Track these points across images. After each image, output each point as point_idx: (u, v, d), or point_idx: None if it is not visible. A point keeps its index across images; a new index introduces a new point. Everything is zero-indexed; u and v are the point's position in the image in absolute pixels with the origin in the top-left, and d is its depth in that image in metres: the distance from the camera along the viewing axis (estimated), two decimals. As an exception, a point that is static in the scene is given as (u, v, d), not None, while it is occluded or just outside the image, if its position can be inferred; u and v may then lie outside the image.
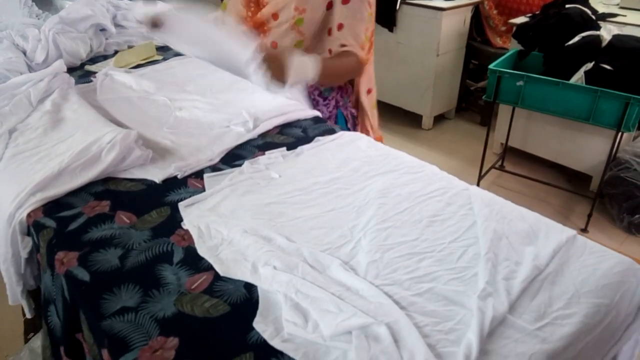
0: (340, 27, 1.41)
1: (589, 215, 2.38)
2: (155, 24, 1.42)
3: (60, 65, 1.46)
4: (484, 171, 2.65)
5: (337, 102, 1.58)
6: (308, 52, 1.41)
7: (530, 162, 2.88)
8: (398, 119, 3.48)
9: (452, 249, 0.87)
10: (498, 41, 3.23)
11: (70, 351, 0.89)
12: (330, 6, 1.41)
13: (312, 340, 0.70)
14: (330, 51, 1.44)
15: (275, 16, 1.44)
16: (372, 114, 1.63)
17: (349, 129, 1.62)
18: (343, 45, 1.41)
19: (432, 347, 0.68)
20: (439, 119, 3.47)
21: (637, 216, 2.33)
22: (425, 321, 0.72)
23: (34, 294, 1.16)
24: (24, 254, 1.02)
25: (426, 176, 1.08)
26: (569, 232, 0.89)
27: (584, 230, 2.35)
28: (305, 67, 1.27)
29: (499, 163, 2.86)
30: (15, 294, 1.08)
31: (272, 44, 1.47)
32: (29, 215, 0.99)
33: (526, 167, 2.86)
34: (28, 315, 1.13)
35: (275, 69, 1.18)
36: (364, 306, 0.73)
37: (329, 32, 1.43)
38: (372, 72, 1.61)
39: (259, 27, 1.48)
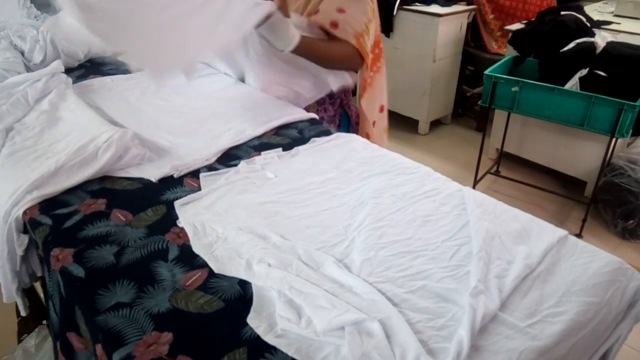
0: (340, 10, 1.37)
1: (584, 221, 2.39)
2: None
3: (57, 65, 1.47)
4: (479, 176, 2.66)
5: (342, 101, 1.58)
6: None
7: (525, 167, 2.90)
8: (394, 123, 3.49)
9: (445, 247, 0.87)
10: (494, 46, 3.25)
11: (63, 348, 0.90)
12: None
13: (305, 335, 0.70)
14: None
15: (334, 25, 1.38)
16: (379, 135, 1.60)
17: (351, 127, 1.62)
18: (334, 25, 1.35)
19: (424, 343, 0.69)
20: (435, 124, 3.49)
21: (631, 222, 2.34)
22: (417, 317, 0.73)
23: (28, 293, 1.16)
24: (19, 252, 1.02)
25: (420, 177, 1.09)
26: (561, 232, 0.90)
27: (578, 236, 2.36)
28: (285, 31, 1.23)
29: (495, 168, 2.87)
30: (10, 292, 1.08)
31: None
32: (25, 212, 0.99)
33: (521, 173, 2.88)
34: (23, 313, 1.13)
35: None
36: (357, 302, 0.74)
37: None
38: (383, 86, 1.59)
39: None
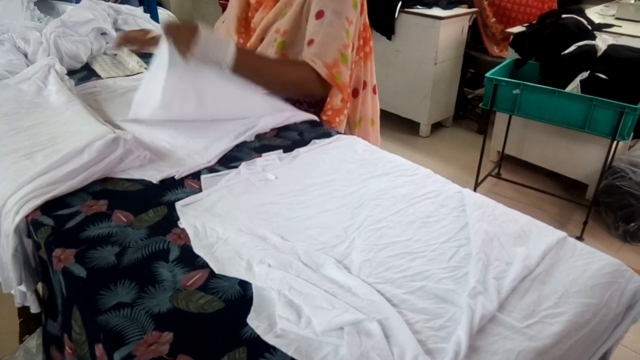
0: (310, 43, 1.31)
1: (585, 223, 2.40)
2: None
3: (49, 61, 1.49)
4: (480, 179, 2.66)
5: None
6: None
7: (526, 170, 2.90)
8: (396, 126, 3.50)
9: (444, 249, 0.88)
10: (495, 50, 3.26)
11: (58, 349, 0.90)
12: (307, 21, 1.32)
13: (304, 335, 0.71)
14: None
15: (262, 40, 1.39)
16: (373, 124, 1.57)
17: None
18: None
19: (423, 343, 0.69)
20: (437, 126, 3.49)
21: (632, 224, 2.35)
22: (416, 318, 0.73)
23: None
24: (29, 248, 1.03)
25: (420, 179, 1.09)
26: (560, 234, 0.91)
27: (579, 238, 2.37)
28: (219, 46, 1.19)
29: (496, 171, 2.88)
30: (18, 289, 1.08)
31: None
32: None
33: (522, 175, 2.88)
34: (33, 310, 1.12)
35: (181, 37, 1.15)
36: (356, 303, 0.74)
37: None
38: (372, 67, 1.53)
39: None
